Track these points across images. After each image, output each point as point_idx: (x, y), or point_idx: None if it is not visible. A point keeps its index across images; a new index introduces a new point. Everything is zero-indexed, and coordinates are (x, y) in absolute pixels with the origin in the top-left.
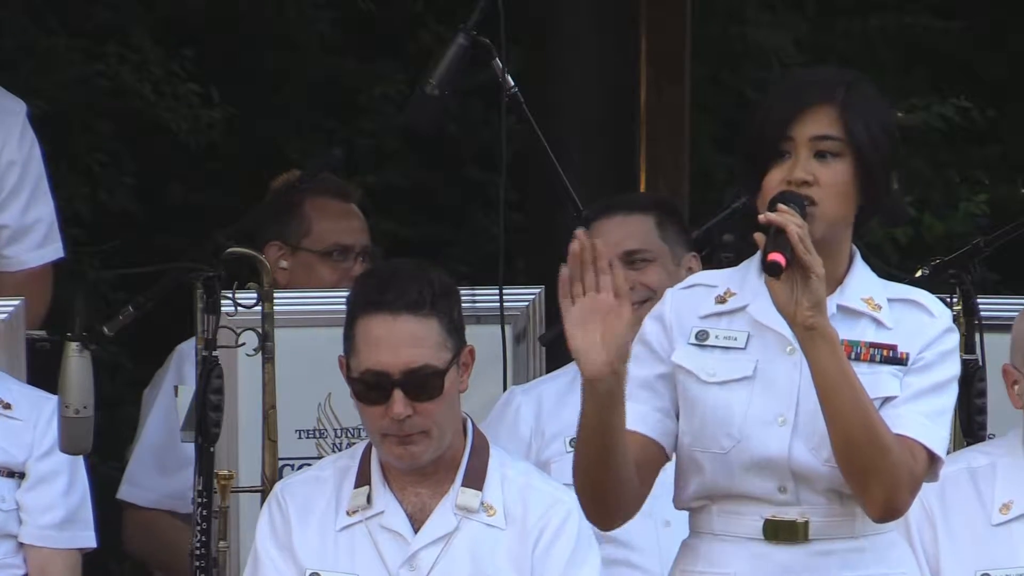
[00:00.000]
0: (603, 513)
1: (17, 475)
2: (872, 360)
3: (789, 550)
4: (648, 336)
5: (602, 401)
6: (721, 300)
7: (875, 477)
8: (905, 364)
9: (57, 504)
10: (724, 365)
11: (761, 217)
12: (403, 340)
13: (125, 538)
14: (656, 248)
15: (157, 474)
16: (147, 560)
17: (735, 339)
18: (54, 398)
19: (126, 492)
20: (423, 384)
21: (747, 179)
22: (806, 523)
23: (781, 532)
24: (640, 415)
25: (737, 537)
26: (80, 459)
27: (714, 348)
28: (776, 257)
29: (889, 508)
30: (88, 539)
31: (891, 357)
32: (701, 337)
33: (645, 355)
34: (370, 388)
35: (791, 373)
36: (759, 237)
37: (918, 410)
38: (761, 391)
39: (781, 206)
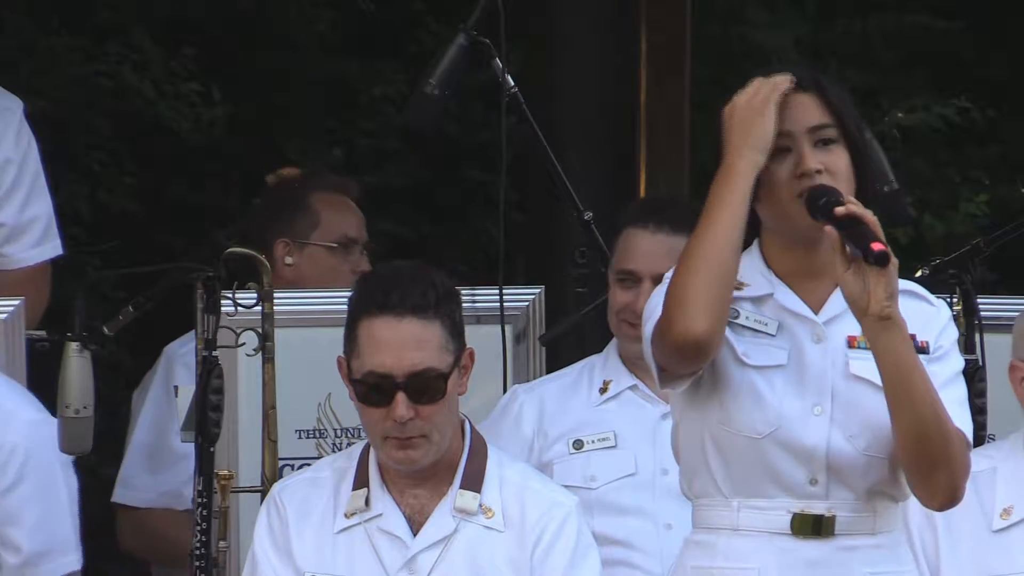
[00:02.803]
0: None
1: None
2: None
3: (815, 545)
4: None
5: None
6: (737, 287)
7: (943, 466)
8: (927, 353)
9: (23, 546)
10: (756, 350)
11: (840, 210)
12: (407, 342)
13: (121, 539)
14: None
15: (149, 474)
16: (145, 557)
17: (766, 324)
18: (26, 414)
19: (120, 495)
20: (426, 387)
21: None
22: (833, 518)
23: (809, 527)
24: None
25: (761, 532)
26: (57, 476)
27: (744, 328)
28: (883, 246)
29: (952, 495)
30: (68, 564)
31: (913, 347)
32: (732, 315)
33: None
34: (372, 390)
35: (822, 362)
36: (831, 231)
37: (950, 399)
38: (796, 380)
39: (849, 198)
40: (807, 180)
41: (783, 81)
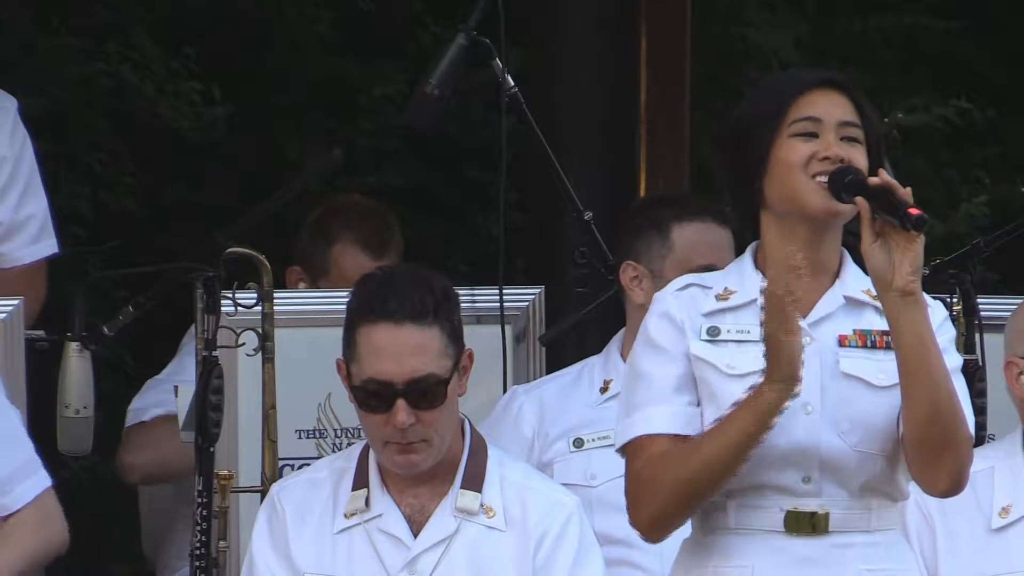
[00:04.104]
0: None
1: None
2: (888, 347)
3: (809, 542)
4: (660, 339)
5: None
6: (723, 297)
7: (952, 448)
8: None
9: None
10: (741, 358)
11: (874, 180)
12: (407, 350)
13: (122, 457)
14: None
15: (157, 393)
16: (147, 474)
17: (748, 332)
18: None
19: (129, 420)
20: (426, 393)
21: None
22: (827, 515)
23: (802, 524)
24: (671, 415)
25: (755, 530)
26: (3, 403)
27: (727, 342)
28: (919, 210)
29: (956, 481)
30: (39, 483)
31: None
32: (712, 333)
33: (663, 359)
34: (372, 396)
35: (810, 362)
36: (861, 202)
37: None
38: None
39: (880, 170)
40: (828, 164)
41: (794, 260)
